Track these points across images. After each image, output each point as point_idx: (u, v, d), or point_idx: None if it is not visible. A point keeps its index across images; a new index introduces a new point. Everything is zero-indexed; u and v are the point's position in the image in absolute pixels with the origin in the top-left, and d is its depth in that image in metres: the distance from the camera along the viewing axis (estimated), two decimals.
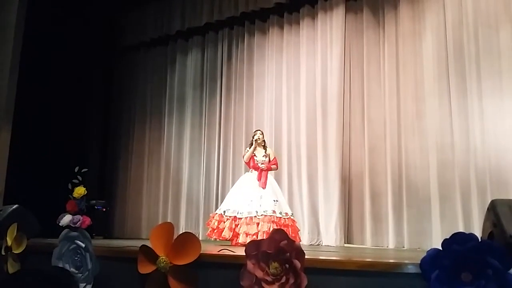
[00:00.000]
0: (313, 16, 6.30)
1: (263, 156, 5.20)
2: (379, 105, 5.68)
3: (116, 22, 7.96)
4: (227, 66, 7.07)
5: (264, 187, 5.02)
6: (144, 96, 7.78)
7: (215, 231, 4.95)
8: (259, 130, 5.41)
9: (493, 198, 2.79)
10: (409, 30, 5.59)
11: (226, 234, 4.83)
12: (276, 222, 4.73)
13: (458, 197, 4.92)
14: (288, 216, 4.93)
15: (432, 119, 5.24)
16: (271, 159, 5.22)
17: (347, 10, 6.03)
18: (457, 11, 5.25)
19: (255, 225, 4.71)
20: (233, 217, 4.92)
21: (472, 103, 4.98)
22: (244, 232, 4.70)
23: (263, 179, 5.06)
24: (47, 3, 6.51)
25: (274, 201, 4.92)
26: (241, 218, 4.84)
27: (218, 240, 4.99)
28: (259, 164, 5.15)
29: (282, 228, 4.67)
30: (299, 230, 5.16)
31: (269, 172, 5.20)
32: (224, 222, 4.93)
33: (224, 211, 5.02)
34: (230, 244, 4.68)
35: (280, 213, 4.87)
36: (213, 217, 5.08)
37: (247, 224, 4.75)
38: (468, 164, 4.94)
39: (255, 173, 5.14)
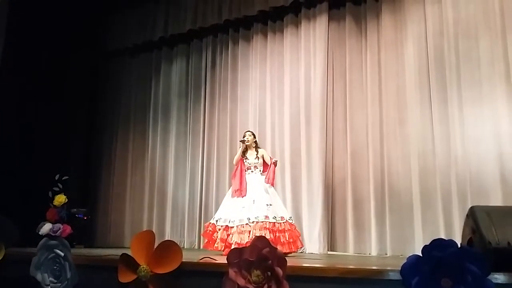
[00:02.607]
0: (297, 25, 6.35)
1: (255, 159, 4.94)
2: (362, 113, 5.72)
3: (99, 29, 7.91)
4: (211, 74, 7.07)
5: (272, 184, 4.78)
6: (128, 103, 7.73)
7: (210, 242, 4.72)
8: (248, 131, 5.23)
9: (473, 205, 2.83)
10: (391, 39, 5.66)
11: (219, 246, 4.59)
12: (269, 229, 4.45)
13: (440, 204, 4.97)
14: (285, 220, 4.64)
15: (414, 126, 5.30)
16: (266, 160, 4.93)
17: (330, 19, 6.08)
18: (438, 21, 5.33)
19: (247, 233, 4.45)
20: (224, 227, 4.66)
21: (453, 111, 5.06)
22: (235, 242, 4.42)
23: (271, 175, 4.78)
24: (29, 7, 6.45)
25: (267, 205, 4.62)
26: (233, 227, 4.59)
27: (211, 250, 4.66)
28: (252, 167, 4.93)
29: (277, 233, 4.49)
30: (299, 235, 4.89)
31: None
32: (217, 232, 4.69)
33: (217, 220, 4.78)
34: (222, 254, 4.39)
35: (274, 217, 4.57)
36: (207, 227, 4.84)
37: (239, 233, 4.50)
38: (449, 171, 5.00)
39: (251, 176, 4.91)
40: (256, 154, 4.99)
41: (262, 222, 4.49)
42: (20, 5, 6.27)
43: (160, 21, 7.31)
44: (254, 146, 5.06)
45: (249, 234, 4.42)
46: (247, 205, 4.66)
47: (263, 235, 4.20)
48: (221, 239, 4.61)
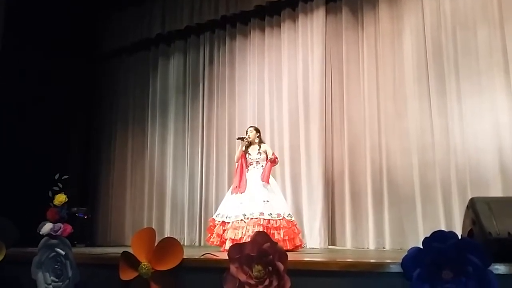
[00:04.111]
0: (294, 19, 6.33)
1: (257, 154, 4.88)
2: (359, 106, 5.69)
3: (96, 28, 7.89)
4: (209, 70, 7.06)
5: (267, 181, 4.72)
6: (126, 101, 7.72)
7: (210, 237, 4.73)
8: (251, 126, 5.17)
9: (473, 196, 2.83)
10: (388, 30, 5.63)
11: (215, 240, 4.61)
12: (264, 225, 4.39)
13: (439, 196, 4.96)
14: (281, 217, 4.57)
15: (412, 119, 5.27)
16: (269, 155, 4.85)
17: (327, 12, 6.06)
18: (435, 12, 5.31)
19: (241, 229, 4.43)
20: (221, 222, 4.65)
21: (452, 103, 5.04)
22: (230, 238, 4.42)
23: (266, 172, 4.72)
24: (25, 7, 6.42)
25: (264, 201, 4.57)
26: (229, 223, 4.58)
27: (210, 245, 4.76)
28: (254, 163, 4.88)
29: (272, 230, 4.43)
30: (299, 233, 4.80)
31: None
32: (215, 227, 4.70)
33: (216, 216, 4.78)
34: (220, 250, 4.43)
35: (270, 214, 4.51)
36: (209, 222, 4.87)
37: (234, 229, 4.49)
38: (448, 163, 4.99)
39: (252, 172, 4.86)
40: (259, 149, 4.93)
41: (257, 218, 4.46)
42: (17, 5, 6.25)
43: (157, 18, 7.29)
44: (257, 141, 5.00)
45: (243, 230, 4.42)
46: (245, 201, 4.64)
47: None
48: (217, 234, 4.62)
